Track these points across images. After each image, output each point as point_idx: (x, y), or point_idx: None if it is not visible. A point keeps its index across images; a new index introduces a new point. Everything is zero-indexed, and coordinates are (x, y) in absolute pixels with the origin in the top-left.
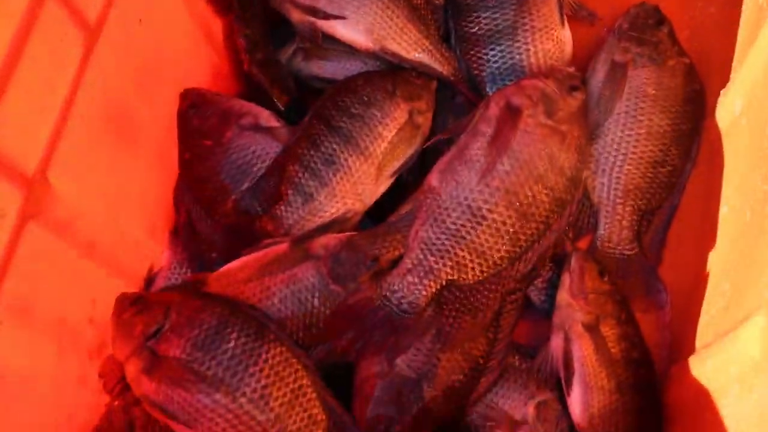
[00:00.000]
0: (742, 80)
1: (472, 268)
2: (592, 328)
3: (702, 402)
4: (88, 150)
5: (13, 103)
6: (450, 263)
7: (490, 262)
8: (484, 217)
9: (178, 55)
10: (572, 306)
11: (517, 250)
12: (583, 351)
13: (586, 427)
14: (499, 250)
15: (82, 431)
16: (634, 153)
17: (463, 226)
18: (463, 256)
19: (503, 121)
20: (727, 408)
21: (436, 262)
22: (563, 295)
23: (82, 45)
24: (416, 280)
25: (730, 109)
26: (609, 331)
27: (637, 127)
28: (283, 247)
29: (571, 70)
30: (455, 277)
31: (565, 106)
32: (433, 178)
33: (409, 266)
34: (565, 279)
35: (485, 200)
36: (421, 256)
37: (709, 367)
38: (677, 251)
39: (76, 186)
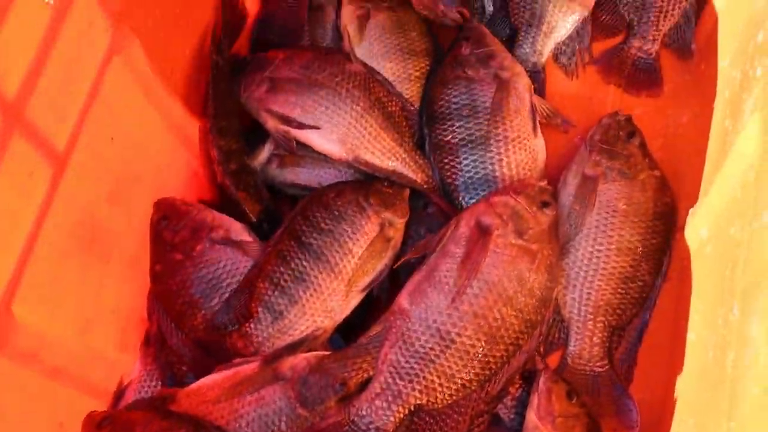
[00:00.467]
0: (708, 208)
1: (441, 392)
2: None
3: None
4: (57, 276)
5: None
6: (419, 387)
7: (460, 385)
8: (453, 341)
9: (155, 163)
10: (539, 429)
11: (487, 372)
12: None
13: None
14: (468, 374)
15: None
16: (604, 268)
17: (431, 349)
18: (432, 380)
19: (473, 241)
20: None
21: (405, 387)
22: (531, 417)
23: (50, 176)
24: (384, 404)
25: (697, 232)
26: None
27: (608, 242)
28: (253, 366)
29: (543, 184)
30: (424, 401)
31: (535, 225)
32: (403, 300)
33: (378, 390)
34: (534, 400)
35: (454, 323)
36: (390, 380)
37: None
38: (648, 370)
39: (42, 314)
